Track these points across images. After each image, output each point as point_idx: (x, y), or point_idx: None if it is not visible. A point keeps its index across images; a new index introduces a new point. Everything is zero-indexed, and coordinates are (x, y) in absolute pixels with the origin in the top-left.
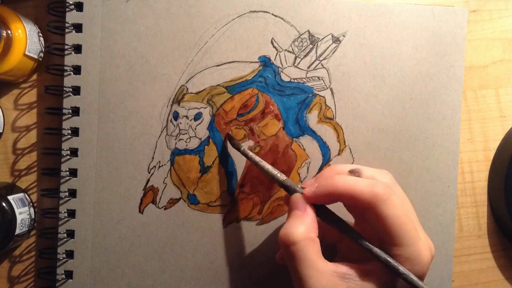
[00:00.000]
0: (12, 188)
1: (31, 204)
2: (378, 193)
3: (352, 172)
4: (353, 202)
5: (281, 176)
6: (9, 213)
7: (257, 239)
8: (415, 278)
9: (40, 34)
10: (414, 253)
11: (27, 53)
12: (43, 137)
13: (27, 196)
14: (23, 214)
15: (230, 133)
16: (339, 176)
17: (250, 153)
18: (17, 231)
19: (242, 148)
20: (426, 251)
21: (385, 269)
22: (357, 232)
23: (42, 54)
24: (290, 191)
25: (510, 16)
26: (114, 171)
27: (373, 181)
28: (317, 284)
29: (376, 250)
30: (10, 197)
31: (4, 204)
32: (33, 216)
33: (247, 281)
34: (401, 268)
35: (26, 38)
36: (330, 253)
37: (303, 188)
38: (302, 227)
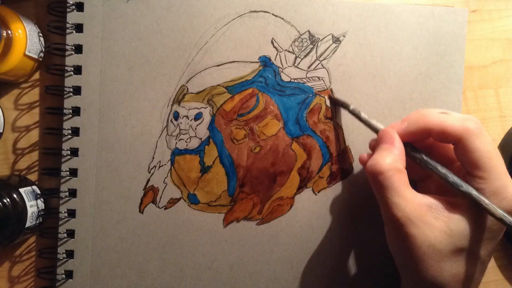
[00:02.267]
0: (23, 180)
1: (39, 196)
2: (470, 127)
3: (442, 112)
4: (445, 136)
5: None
6: (20, 205)
7: (257, 239)
8: (499, 210)
9: (40, 34)
10: (501, 187)
11: (27, 53)
12: (44, 137)
13: (36, 188)
14: (33, 207)
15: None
16: (430, 113)
17: (361, 113)
18: (28, 224)
19: (351, 107)
20: None
21: (472, 203)
22: (443, 167)
23: (42, 54)
24: (372, 128)
25: (510, 16)
26: (115, 171)
27: (464, 116)
28: (405, 212)
29: (462, 183)
30: (21, 190)
31: (15, 196)
32: (41, 208)
33: (247, 281)
34: (486, 201)
35: (26, 38)
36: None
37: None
38: (390, 158)
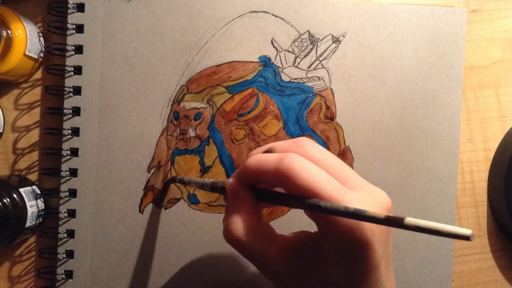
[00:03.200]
0: (23, 180)
1: (39, 196)
2: (286, 166)
3: (267, 151)
4: (266, 179)
5: (208, 181)
6: (20, 206)
7: None
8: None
9: (41, 34)
10: (337, 198)
11: (27, 53)
12: (44, 137)
13: (36, 188)
14: (33, 207)
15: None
16: (250, 157)
17: (178, 177)
18: (28, 224)
19: (179, 177)
20: (366, 197)
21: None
22: (296, 196)
23: (42, 54)
24: (219, 190)
25: (510, 16)
26: (115, 171)
27: (281, 154)
28: (273, 269)
29: (317, 202)
30: (21, 190)
31: (15, 196)
32: (41, 208)
33: (247, 280)
34: (322, 203)
35: (26, 38)
36: None
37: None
38: (241, 219)
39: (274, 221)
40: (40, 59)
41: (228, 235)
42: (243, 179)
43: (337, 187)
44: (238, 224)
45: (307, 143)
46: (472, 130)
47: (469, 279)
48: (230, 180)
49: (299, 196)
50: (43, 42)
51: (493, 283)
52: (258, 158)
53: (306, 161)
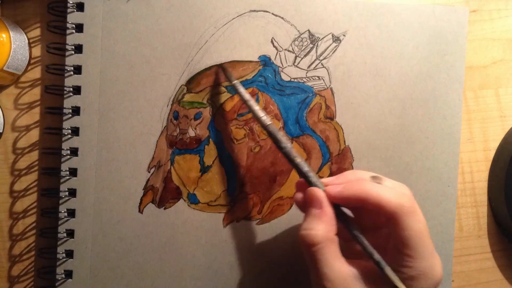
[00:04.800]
0: None
1: None
2: (405, 205)
3: (375, 179)
4: (379, 210)
5: (267, 120)
6: None
7: (257, 238)
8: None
9: (31, 45)
10: (429, 267)
11: (5, 68)
12: (43, 137)
13: None
14: None
15: (224, 65)
16: (367, 182)
17: (241, 89)
18: None
19: (234, 81)
20: (439, 266)
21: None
22: (366, 242)
23: (26, 66)
24: (307, 180)
25: (510, 16)
26: (114, 171)
27: (399, 192)
28: (334, 283)
29: (384, 263)
30: None
31: None
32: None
33: (247, 280)
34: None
35: (8, 55)
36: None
37: (324, 184)
38: (322, 228)
39: (274, 221)
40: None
41: (306, 238)
42: (350, 199)
43: (431, 247)
44: (318, 231)
45: (409, 191)
46: (472, 130)
47: (469, 279)
48: (320, 191)
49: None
50: (31, 54)
51: (493, 283)
52: (378, 187)
53: (420, 210)
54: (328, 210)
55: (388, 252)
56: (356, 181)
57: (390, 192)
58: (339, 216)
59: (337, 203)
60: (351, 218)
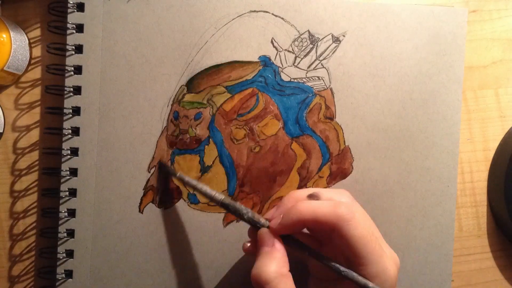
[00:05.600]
0: None
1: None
2: (341, 214)
3: (311, 197)
4: (318, 226)
5: (219, 196)
6: None
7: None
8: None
9: (32, 45)
10: (381, 270)
11: (6, 68)
12: (44, 137)
13: None
14: None
15: (162, 161)
16: (301, 202)
17: (187, 178)
18: None
19: (178, 174)
20: (392, 266)
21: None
22: (324, 256)
23: (26, 66)
24: (252, 224)
25: (510, 16)
26: (115, 171)
27: (335, 202)
28: None
29: (345, 270)
30: None
31: None
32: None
33: (247, 280)
34: (371, 285)
35: (9, 54)
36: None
37: (267, 220)
38: (274, 265)
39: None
40: (23, 73)
41: (258, 277)
42: (291, 226)
43: (378, 243)
44: (270, 269)
45: (349, 196)
46: (472, 130)
47: (469, 279)
48: (265, 230)
49: (324, 256)
50: (31, 54)
51: (493, 283)
52: (312, 205)
53: (357, 213)
54: (278, 246)
55: (342, 264)
56: (293, 207)
57: (325, 205)
58: (295, 244)
59: (284, 233)
60: (304, 245)
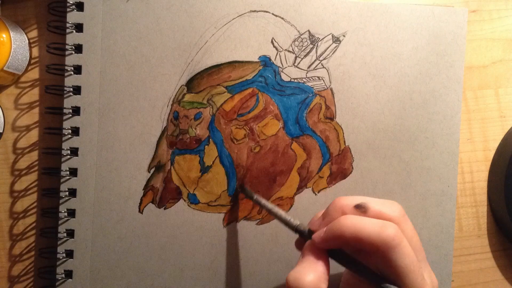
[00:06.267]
0: None
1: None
2: (387, 239)
3: (358, 207)
4: (362, 247)
5: (295, 222)
6: None
7: (257, 238)
8: None
9: (31, 45)
10: None
11: (5, 68)
12: (44, 137)
13: None
14: None
15: (243, 184)
16: (345, 218)
17: (263, 201)
18: None
19: (255, 197)
20: (429, 279)
21: None
22: (376, 274)
23: (26, 66)
24: (304, 236)
25: (510, 16)
26: (114, 171)
27: (382, 223)
28: None
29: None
30: None
31: None
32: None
33: (247, 280)
34: None
35: (9, 55)
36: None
37: (312, 230)
38: (313, 275)
39: (273, 221)
40: (22, 73)
41: (294, 282)
42: (334, 241)
43: (420, 280)
44: (308, 277)
45: (400, 210)
46: (472, 130)
47: (469, 279)
48: (312, 242)
49: (379, 277)
50: (31, 54)
51: (493, 283)
52: (357, 222)
53: (404, 238)
54: (321, 260)
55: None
56: (337, 221)
57: (371, 225)
58: (343, 259)
59: (328, 248)
60: (354, 260)
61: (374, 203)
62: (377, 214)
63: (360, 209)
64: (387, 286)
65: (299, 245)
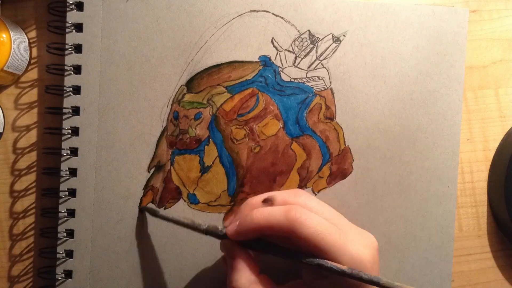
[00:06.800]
0: None
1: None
2: (292, 218)
3: (266, 201)
4: (274, 232)
5: (204, 225)
6: None
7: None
8: (362, 273)
9: (31, 45)
10: (348, 259)
11: (5, 68)
12: (43, 137)
13: None
14: None
15: (143, 206)
16: (256, 210)
17: (170, 216)
18: None
19: (160, 213)
20: (361, 250)
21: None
22: (296, 252)
23: (26, 66)
24: (217, 236)
25: (510, 16)
26: (114, 171)
27: (286, 207)
28: None
29: (318, 261)
30: None
31: None
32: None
33: None
34: (346, 268)
35: (9, 55)
36: None
37: (225, 227)
38: (240, 276)
39: None
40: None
41: None
42: (247, 233)
43: (338, 233)
44: (240, 281)
45: (303, 194)
46: (472, 130)
47: (469, 279)
48: (225, 241)
49: (299, 253)
50: (31, 54)
51: (493, 283)
52: (265, 212)
53: (310, 212)
54: (239, 256)
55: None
56: (248, 214)
57: (277, 211)
58: (262, 247)
59: (243, 240)
60: (272, 244)
61: (278, 195)
62: (283, 203)
63: (267, 202)
64: (309, 261)
65: (223, 248)
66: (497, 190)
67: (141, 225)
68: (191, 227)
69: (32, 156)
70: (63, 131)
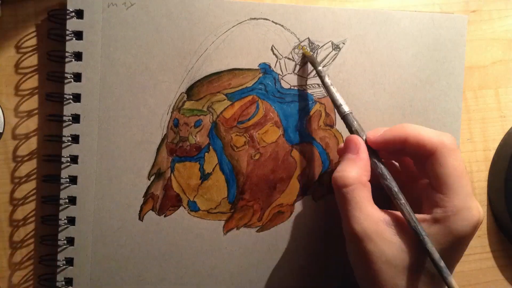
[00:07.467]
0: None
1: None
2: (446, 142)
3: None
4: (420, 147)
5: (346, 108)
6: None
7: (257, 246)
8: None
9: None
10: (463, 209)
11: None
12: (43, 144)
13: None
14: None
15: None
16: (407, 124)
17: (326, 79)
18: None
19: (319, 68)
20: (476, 210)
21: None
22: (395, 184)
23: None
24: (352, 130)
25: (510, 16)
26: (114, 178)
27: (441, 132)
28: (363, 226)
29: (414, 220)
30: None
31: None
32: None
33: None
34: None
35: None
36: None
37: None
38: (355, 171)
39: (274, 228)
40: None
41: (338, 180)
42: (389, 140)
43: (469, 187)
44: (349, 173)
45: (454, 139)
46: (472, 130)
47: (469, 279)
48: (354, 136)
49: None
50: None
51: (493, 283)
52: (418, 127)
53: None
54: (363, 156)
55: (423, 193)
56: (398, 125)
57: (431, 131)
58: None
59: (380, 147)
60: (384, 166)
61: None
62: None
63: None
64: (404, 208)
65: (340, 151)
66: (497, 190)
67: (141, 233)
68: (334, 102)
69: (32, 164)
70: (63, 138)
